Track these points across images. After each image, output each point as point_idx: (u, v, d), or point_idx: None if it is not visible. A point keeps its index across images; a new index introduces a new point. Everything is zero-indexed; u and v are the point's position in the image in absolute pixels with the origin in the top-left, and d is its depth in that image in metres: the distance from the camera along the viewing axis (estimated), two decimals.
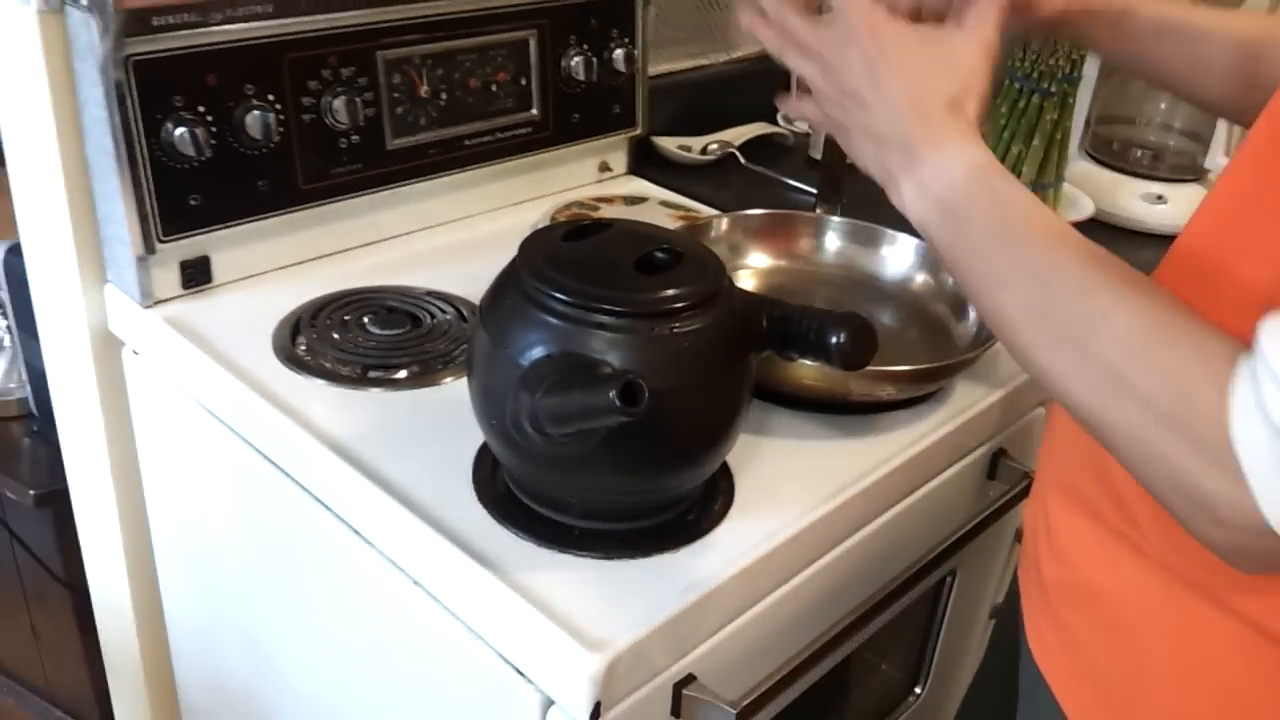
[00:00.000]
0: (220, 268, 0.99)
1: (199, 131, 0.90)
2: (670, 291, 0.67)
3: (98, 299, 0.98)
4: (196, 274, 0.97)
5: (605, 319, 0.66)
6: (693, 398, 0.67)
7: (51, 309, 1.05)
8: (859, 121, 0.66)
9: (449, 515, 0.74)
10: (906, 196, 0.63)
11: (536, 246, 0.71)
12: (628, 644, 0.65)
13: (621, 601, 0.68)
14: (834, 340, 0.66)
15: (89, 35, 0.86)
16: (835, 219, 1.06)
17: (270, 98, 0.94)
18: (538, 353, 0.66)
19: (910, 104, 0.63)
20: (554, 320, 0.67)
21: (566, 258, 0.70)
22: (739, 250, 1.03)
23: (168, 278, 0.96)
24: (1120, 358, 0.51)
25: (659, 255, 0.71)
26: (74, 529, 1.18)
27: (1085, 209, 1.30)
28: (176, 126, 0.89)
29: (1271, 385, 0.45)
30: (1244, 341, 0.48)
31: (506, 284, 0.71)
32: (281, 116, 0.95)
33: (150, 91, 0.88)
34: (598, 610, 0.67)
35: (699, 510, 0.77)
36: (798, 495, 0.79)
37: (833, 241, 1.04)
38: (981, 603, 1.14)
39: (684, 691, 0.71)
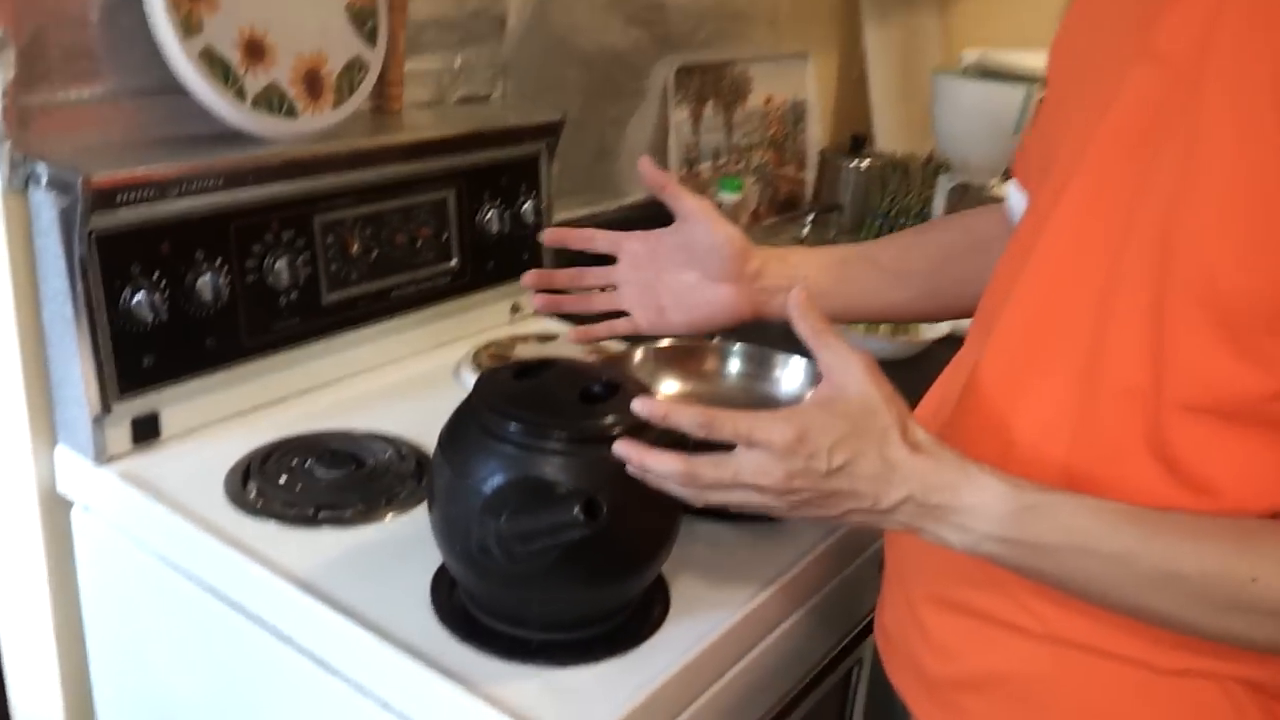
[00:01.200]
0: (168, 422, 1.04)
1: (155, 297, 0.97)
2: (612, 418, 0.77)
3: (47, 461, 1.03)
4: (146, 430, 1.03)
5: (558, 445, 0.75)
6: (639, 511, 0.76)
7: None
8: (845, 514, 0.69)
9: (414, 638, 0.80)
10: (953, 540, 0.67)
11: (491, 384, 0.81)
12: None
13: (582, 705, 0.76)
14: None
15: (51, 213, 0.93)
16: (734, 345, 1.18)
17: (219, 262, 1.02)
18: (498, 480, 0.75)
19: (882, 474, 0.66)
20: (512, 449, 0.76)
21: (518, 394, 0.80)
22: (655, 377, 1.14)
23: (119, 435, 1.01)
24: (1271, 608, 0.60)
25: (597, 389, 0.82)
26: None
27: (941, 328, 1.45)
28: (134, 294, 0.97)
29: None
30: None
31: (464, 419, 0.80)
32: (229, 279, 1.03)
33: (110, 262, 0.95)
34: (562, 715, 0.75)
35: (642, 615, 0.85)
36: (725, 597, 0.88)
37: (734, 365, 1.16)
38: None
39: None
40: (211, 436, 1.06)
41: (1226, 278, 0.60)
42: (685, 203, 0.97)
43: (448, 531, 0.80)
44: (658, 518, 0.79)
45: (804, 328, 0.72)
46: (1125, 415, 0.65)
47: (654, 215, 1.43)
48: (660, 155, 1.67)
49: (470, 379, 1.21)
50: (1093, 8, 0.77)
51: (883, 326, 1.40)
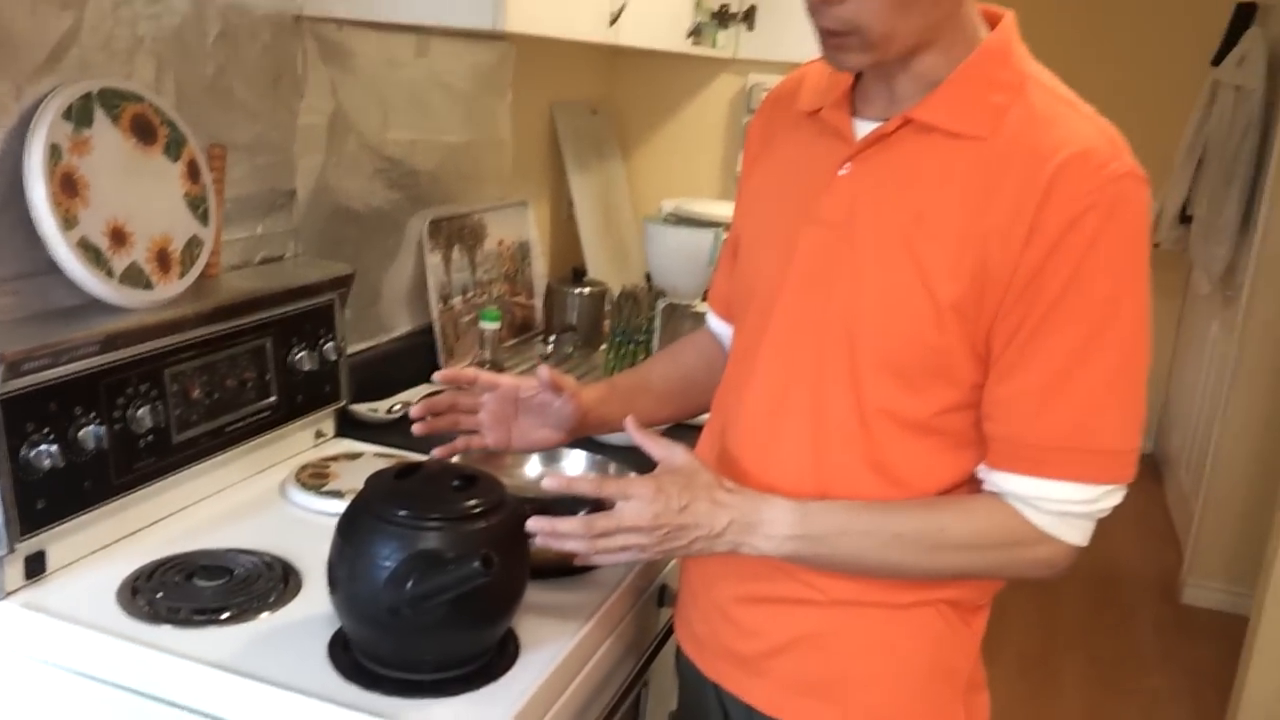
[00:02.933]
0: (53, 556, 1.20)
1: (48, 449, 1.14)
2: (475, 501, 1.05)
3: None
4: (35, 566, 1.18)
5: (440, 524, 1.02)
6: (508, 565, 1.04)
7: None
8: (691, 543, 1.02)
9: (325, 692, 1.02)
10: (764, 547, 1.02)
11: (379, 483, 1.07)
12: None
13: (479, 716, 1.02)
14: None
15: None
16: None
17: (94, 415, 1.20)
18: (398, 555, 1.01)
19: (712, 509, 1.02)
20: (405, 530, 1.02)
21: (402, 489, 1.06)
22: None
23: (15, 572, 1.15)
24: (971, 540, 1.00)
25: (459, 481, 1.09)
26: None
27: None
28: (31, 448, 1.13)
29: (1033, 503, 0.97)
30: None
31: (360, 513, 1.05)
32: (103, 428, 1.21)
33: (12, 423, 1.11)
34: None
35: (502, 652, 1.12)
36: (558, 632, 1.16)
37: (530, 463, 1.46)
38: (667, 705, 1.54)
39: None
40: (91, 565, 1.23)
41: (885, 345, 0.99)
42: (565, 385, 1.25)
43: (354, 603, 1.04)
44: (519, 571, 1.07)
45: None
46: (847, 448, 1.03)
47: (416, 345, 1.74)
48: (420, 293, 1.96)
49: (296, 495, 1.43)
50: (764, 194, 1.15)
51: None
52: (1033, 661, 3.18)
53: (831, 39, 0.97)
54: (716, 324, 1.31)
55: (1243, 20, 3.98)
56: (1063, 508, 0.97)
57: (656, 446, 1.08)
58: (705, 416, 1.25)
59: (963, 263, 0.95)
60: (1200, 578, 3.60)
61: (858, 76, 1.07)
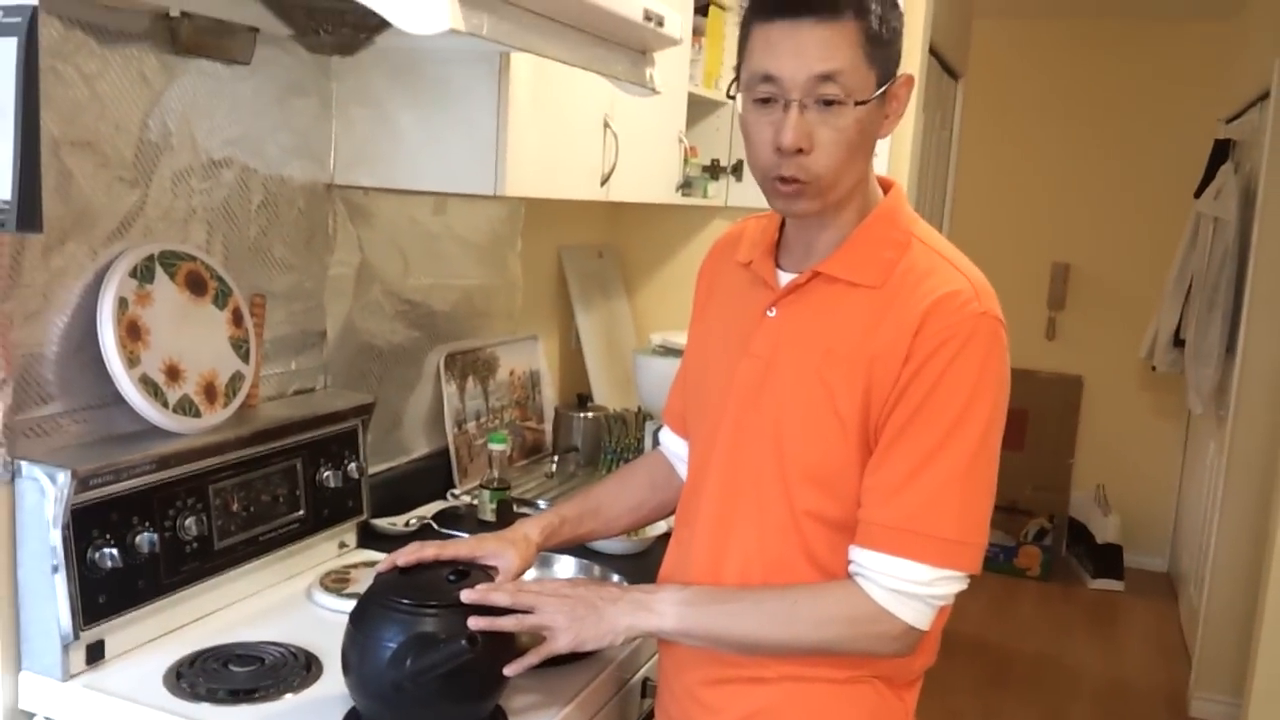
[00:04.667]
0: (110, 646, 1.40)
1: (110, 551, 1.35)
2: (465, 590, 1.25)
3: (12, 684, 1.35)
4: (95, 653, 1.38)
5: (435, 610, 1.22)
6: (491, 647, 1.22)
7: None
8: (597, 615, 1.23)
9: None
10: (652, 624, 1.23)
11: (385, 579, 1.26)
12: None
13: None
14: None
15: (36, 496, 1.31)
16: None
17: (148, 524, 1.42)
18: (400, 638, 1.20)
19: (611, 598, 1.25)
20: (406, 616, 1.21)
21: (404, 583, 1.26)
22: None
23: (78, 658, 1.35)
24: (819, 614, 1.18)
25: (453, 575, 1.28)
26: None
27: (660, 528, 2.00)
28: (95, 551, 1.34)
29: (874, 578, 1.14)
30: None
31: (369, 602, 1.24)
32: (155, 535, 1.42)
33: (81, 529, 1.33)
34: None
35: None
36: (540, 713, 1.34)
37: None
38: None
39: None
40: (142, 654, 1.42)
41: (806, 457, 1.19)
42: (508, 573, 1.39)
43: (363, 680, 1.22)
44: (502, 653, 1.25)
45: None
46: (784, 541, 1.22)
47: (433, 466, 1.94)
48: (437, 420, 2.18)
49: (320, 597, 1.63)
50: (711, 332, 1.37)
51: None
52: None
53: (787, 187, 1.18)
54: (670, 440, 1.51)
55: (1220, 155, 4.23)
56: (899, 585, 1.15)
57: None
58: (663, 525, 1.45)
59: (856, 384, 1.15)
60: (1206, 691, 3.66)
61: (780, 235, 1.29)
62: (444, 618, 1.22)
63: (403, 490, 2.06)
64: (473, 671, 1.20)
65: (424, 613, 1.22)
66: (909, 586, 1.14)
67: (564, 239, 2.73)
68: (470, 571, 1.29)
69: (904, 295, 1.16)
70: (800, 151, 1.15)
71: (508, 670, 1.23)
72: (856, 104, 1.14)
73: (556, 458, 2.29)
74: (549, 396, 2.53)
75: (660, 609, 1.23)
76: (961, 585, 1.16)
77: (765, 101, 1.16)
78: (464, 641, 1.15)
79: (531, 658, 1.24)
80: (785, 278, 1.26)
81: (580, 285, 2.74)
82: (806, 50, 1.12)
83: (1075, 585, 4.91)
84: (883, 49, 1.14)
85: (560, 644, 1.23)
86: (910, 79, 1.20)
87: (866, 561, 1.16)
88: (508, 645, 1.27)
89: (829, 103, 1.13)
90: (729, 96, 1.23)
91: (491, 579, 1.30)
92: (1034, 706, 3.66)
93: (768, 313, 1.26)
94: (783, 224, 1.30)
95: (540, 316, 2.64)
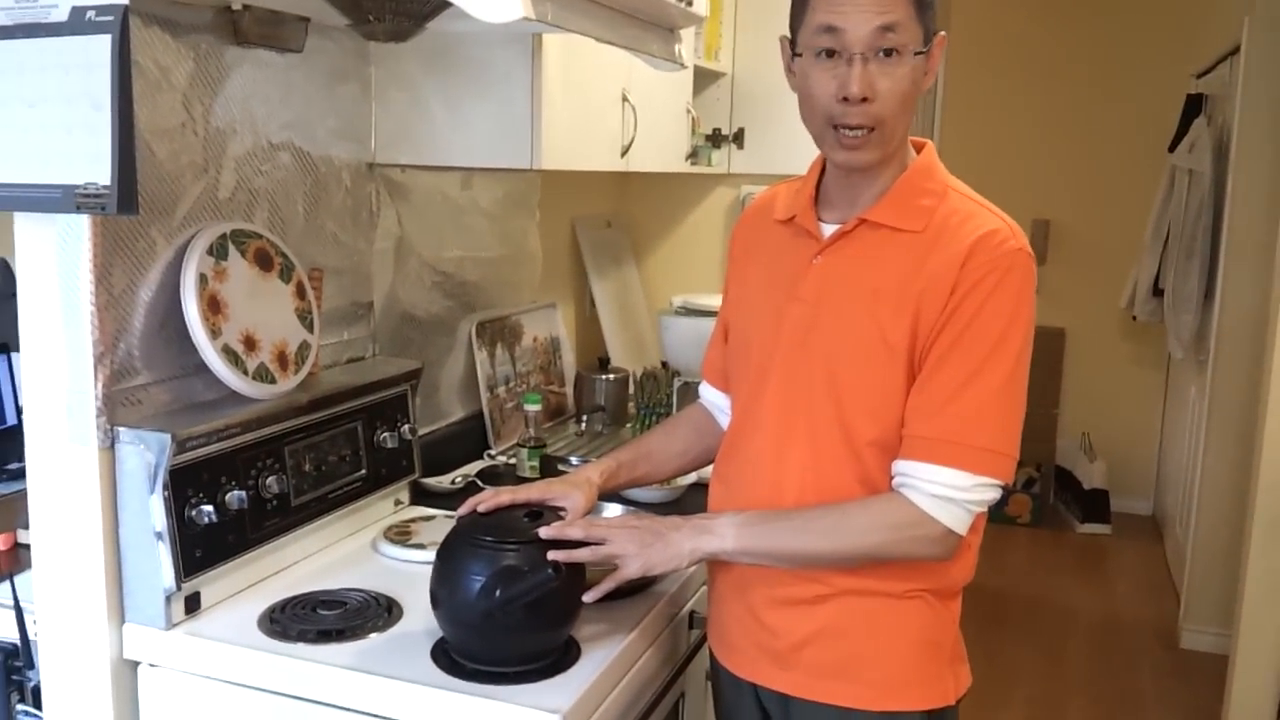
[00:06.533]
0: (205, 597, 1.51)
1: (204, 508, 1.47)
2: (542, 527, 1.37)
3: (118, 634, 1.46)
4: (193, 604, 1.49)
5: (518, 545, 1.34)
6: (570, 577, 1.35)
7: (63, 658, 1.49)
8: (664, 542, 1.36)
9: (436, 683, 1.33)
10: (715, 545, 1.35)
11: (469, 519, 1.39)
12: (570, 706, 1.28)
13: (550, 700, 1.31)
14: None
15: (135, 459, 1.42)
16: None
17: (234, 483, 1.53)
18: (485, 571, 1.32)
19: (674, 525, 1.37)
20: (491, 551, 1.33)
21: (486, 523, 1.38)
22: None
23: (178, 609, 1.47)
24: (866, 522, 1.30)
25: (527, 515, 1.41)
26: None
27: (690, 478, 2.12)
28: (192, 509, 1.46)
29: (918, 485, 1.27)
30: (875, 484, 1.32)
31: (455, 542, 1.37)
32: (241, 493, 1.53)
33: (179, 489, 1.44)
34: (540, 704, 1.30)
35: (568, 651, 1.41)
36: (611, 639, 1.46)
37: None
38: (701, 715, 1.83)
39: None
40: (234, 603, 1.54)
41: (861, 387, 1.31)
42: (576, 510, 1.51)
43: (454, 612, 1.35)
44: (578, 581, 1.38)
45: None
46: (840, 471, 1.34)
47: (470, 429, 2.07)
48: (471, 384, 2.29)
49: (387, 548, 1.75)
50: (752, 284, 1.49)
51: None
52: (1039, 705, 3.41)
53: (852, 137, 1.29)
54: (710, 393, 1.64)
55: (1193, 109, 4.38)
56: (941, 490, 1.27)
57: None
58: (707, 472, 1.57)
59: (905, 316, 1.29)
60: (1196, 624, 3.84)
61: (817, 193, 1.42)
62: (526, 551, 1.34)
63: (443, 452, 2.18)
64: (554, 600, 1.33)
65: (507, 548, 1.34)
66: (950, 492, 1.27)
67: (577, 210, 2.85)
68: (543, 513, 1.41)
69: (948, 235, 1.29)
70: (865, 101, 1.26)
71: (586, 597, 1.36)
72: (915, 54, 1.26)
73: (586, 418, 2.41)
74: (569, 361, 2.65)
75: (721, 531, 1.35)
76: (996, 494, 1.29)
77: (829, 55, 1.27)
78: (549, 570, 1.27)
79: (608, 583, 1.37)
80: (829, 230, 1.38)
81: (593, 254, 2.86)
82: (867, 3, 1.24)
83: (1064, 530, 5.09)
84: (927, 6, 1.27)
85: (632, 569, 1.36)
86: (943, 38, 1.32)
87: (911, 471, 1.29)
88: (581, 577, 1.39)
89: (889, 52, 1.25)
90: (795, 53, 1.32)
91: (562, 519, 1.43)
92: (1032, 645, 3.83)
93: (814, 260, 1.38)
94: (818, 182, 1.42)
95: (557, 285, 2.76)
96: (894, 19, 1.24)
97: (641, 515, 1.41)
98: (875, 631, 1.36)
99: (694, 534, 1.36)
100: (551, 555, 1.33)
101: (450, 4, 1.20)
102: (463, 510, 1.45)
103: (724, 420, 1.58)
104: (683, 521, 1.39)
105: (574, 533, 1.37)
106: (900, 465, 1.31)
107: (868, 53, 1.25)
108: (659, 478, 1.70)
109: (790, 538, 1.33)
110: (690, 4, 1.60)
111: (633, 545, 1.36)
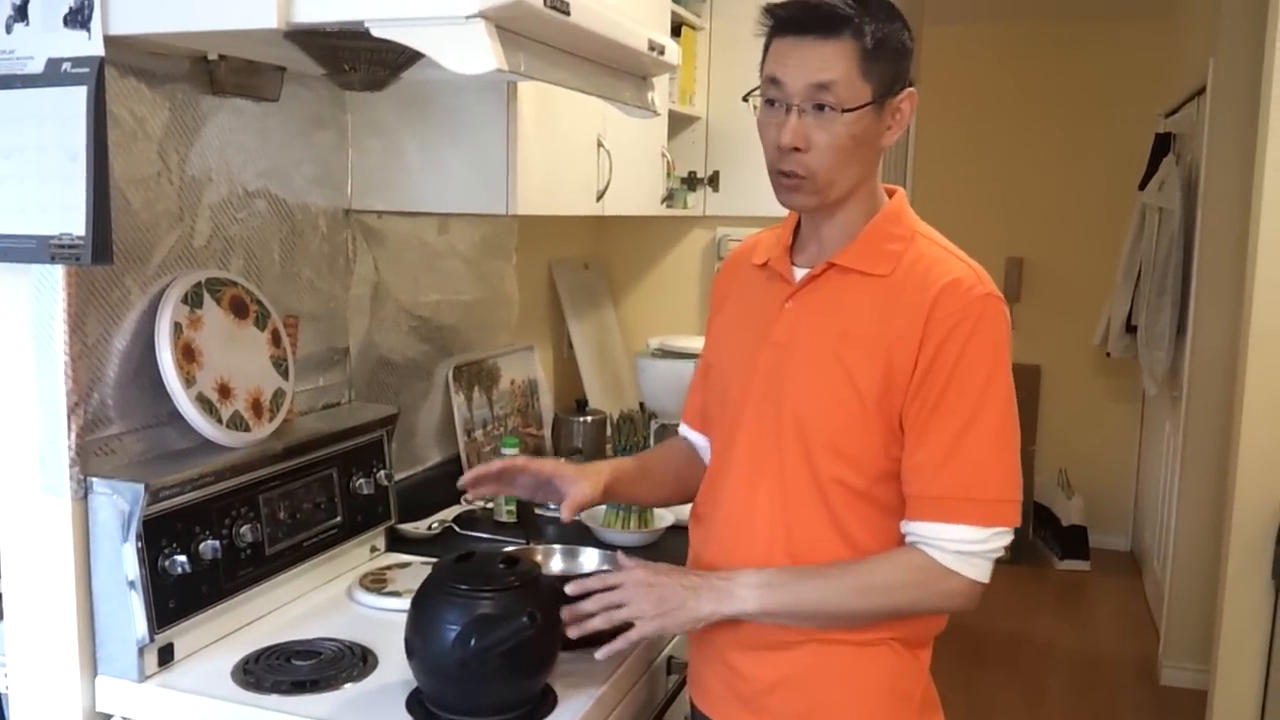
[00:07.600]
0: (178, 648, 1.50)
1: (178, 558, 1.46)
2: (521, 574, 1.36)
3: (90, 687, 1.45)
4: (166, 655, 1.48)
5: (494, 592, 1.33)
6: (545, 626, 1.35)
7: (35, 712, 1.47)
8: (683, 607, 1.33)
9: None
10: (735, 608, 1.32)
11: (443, 568, 1.38)
12: None
13: None
14: None
15: (109, 509, 1.41)
16: (544, 545, 1.79)
17: (208, 532, 1.52)
18: (460, 619, 1.31)
19: (692, 586, 1.34)
20: (466, 600, 1.33)
21: (461, 570, 1.37)
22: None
23: (151, 660, 1.45)
24: (892, 580, 1.30)
25: (504, 563, 1.40)
26: None
27: (668, 519, 2.12)
28: (165, 559, 1.45)
29: (937, 544, 1.27)
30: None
31: (430, 590, 1.36)
32: (215, 543, 1.53)
33: (153, 539, 1.43)
34: None
35: (544, 700, 1.41)
36: (585, 692, 1.46)
37: (554, 558, 1.77)
38: None
39: None
40: (207, 654, 1.52)
41: (828, 429, 1.32)
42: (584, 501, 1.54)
43: (429, 661, 1.34)
44: (554, 630, 1.38)
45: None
46: (810, 512, 1.34)
47: (446, 473, 2.06)
48: (448, 428, 2.29)
49: (362, 596, 1.74)
50: (730, 328, 1.50)
51: (631, 522, 2.06)
52: None
53: (788, 181, 1.33)
54: (691, 434, 1.64)
55: (1162, 148, 4.45)
56: (961, 546, 1.29)
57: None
58: (684, 513, 1.57)
59: (875, 365, 1.30)
60: (1176, 660, 3.85)
61: (795, 236, 1.43)
62: (501, 599, 1.33)
63: (420, 497, 2.17)
64: (530, 648, 1.32)
65: (483, 596, 1.33)
66: (969, 547, 1.28)
67: (554, 253, 2.86)
68: (519, 559, 1.41)
69: (913, 282, 1.31)
70: (798, 150, 1.30)
71: (598, 655, 1.36)
72: (844, 111, 1.28)
73: (562, 460, 2.40)
74: (546, 403, 2.66)
75: (741, 594, 1.33)
76: (1009, 538, 1.31)
77: (771, 103, 1.32)
78: (525, 618, 1.26)
79: (620, 644, 1.36)
80: (800, 273, 1.40)
81: (570, 296, 2.87)
82: (807, 62, 1.28)
83: (1044, 567, 5.10)
84: (879, 65, 1.29)
85: (647, 630, 1.35)
86: (913, 94, 1.34)
87: (926, 532, 1.30)
88: (558, 623, 1.39)
89: (820, 107, 1.29)
90: (744, 99, 1.39)
91: (537, 566, 1.42)
92: (1012, 683, 3.82)
93: (785, 304, 1.39)
94: (796, 228, 1.44)
95: (534, 328, 2.77)
96: (829, 78, 1.27)
97: (658, 569, 1.38)
98: (842, 680, 1.37)
99: (714, 598, 1.34)
100: (570, 632, 1.37)
101: (424, 55, 1.21)
102: (467, 478, 1.53)
103: (708, 458, 1.59)
104: (700, 581, 1.36)
105: (589, 584, 1.38)
106: (913, 526, 1.31)
107: (804, 105, 1.29)
108: (652, 498, 1.72)
109: (817, 597, 1.33)
110: (662, 53, 1.62)
111: (650, 606, 1.34)
